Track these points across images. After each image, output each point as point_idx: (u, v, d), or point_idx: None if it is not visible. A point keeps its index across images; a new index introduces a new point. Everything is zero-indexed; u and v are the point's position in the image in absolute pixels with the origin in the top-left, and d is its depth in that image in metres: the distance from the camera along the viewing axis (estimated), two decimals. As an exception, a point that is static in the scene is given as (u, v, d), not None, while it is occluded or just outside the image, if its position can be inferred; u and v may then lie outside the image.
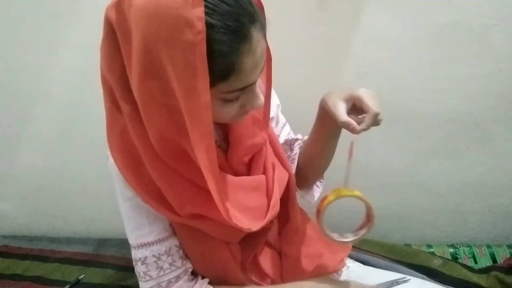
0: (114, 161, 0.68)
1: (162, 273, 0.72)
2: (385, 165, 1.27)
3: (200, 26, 0.48)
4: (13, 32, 1.19)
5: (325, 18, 1.07)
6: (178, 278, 0.74)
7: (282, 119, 0.95)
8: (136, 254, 0.72)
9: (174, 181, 0.65)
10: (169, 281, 0.73)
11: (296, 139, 0.94)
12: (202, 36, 0.48)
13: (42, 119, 1.33)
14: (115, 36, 0.56)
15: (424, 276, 1.00)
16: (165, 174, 0.64)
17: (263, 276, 0.83)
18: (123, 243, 0.84)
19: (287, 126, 0.96)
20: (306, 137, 0.91)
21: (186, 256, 0.76)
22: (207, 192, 0.60)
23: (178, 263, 0.74)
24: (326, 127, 0.77)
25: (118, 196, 0.72)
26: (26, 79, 1.27)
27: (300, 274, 0.85)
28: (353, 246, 1.00)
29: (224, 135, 0.76)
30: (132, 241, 0.73)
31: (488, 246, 1.23)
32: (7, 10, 1.16)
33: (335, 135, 0.80)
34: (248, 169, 0.76)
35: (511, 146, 1.19)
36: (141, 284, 0.74)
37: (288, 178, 0.83)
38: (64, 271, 1.31)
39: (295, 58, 1.12)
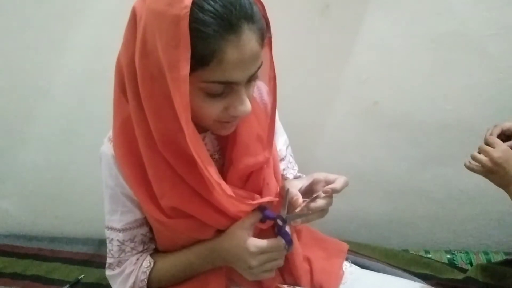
0: (114, 145, 0.71)
1: (123, 254, 0.79)
2: (383, 171, 1.28)
3: (187, 1, 0.52)
4: (17, 34, 1.21)
5: (327, 25, 1.08)
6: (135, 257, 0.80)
7: (289, 159, 0.95)
8: (106, 232, 0.80)
9: (160, 171, 0.68)
10: (127, 260, 0.80)
11: (285, 178, 0.95)
12: (187, 11, 0.52)
13: (45, 119, 1.34)
14: (135, 22, 0.61)
15: (421, 280, 1.01)
16: (155, 164, 0.68)
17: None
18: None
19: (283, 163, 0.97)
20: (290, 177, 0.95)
21: (150, 239, 0.82)
22: (186, 187, 0.67)
23: (140, 247, 0.80)
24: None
25: (103, 182, 0.77)
26: (30, 80, 1.28)
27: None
28: (351, 251, 1.01)
29: (220, 146, 0.76)
30: (105, 221, 0.79)
31: (485, 253, 1.23)
32: (12, 11, 1.18)
33: None
34: (244, 183, 0.76)
35: (509, 154, 1.20)
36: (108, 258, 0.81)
37: None
38: (64, 270, 1.32)
39: (296, 63, 1.13)
